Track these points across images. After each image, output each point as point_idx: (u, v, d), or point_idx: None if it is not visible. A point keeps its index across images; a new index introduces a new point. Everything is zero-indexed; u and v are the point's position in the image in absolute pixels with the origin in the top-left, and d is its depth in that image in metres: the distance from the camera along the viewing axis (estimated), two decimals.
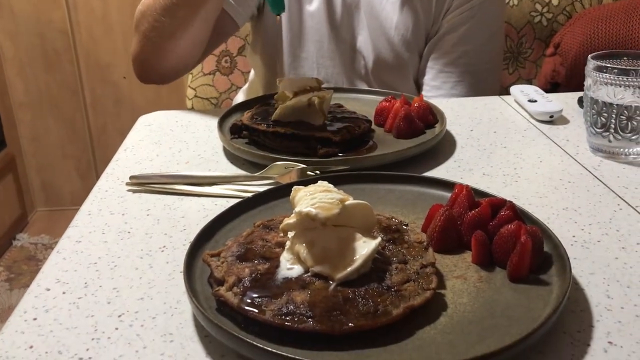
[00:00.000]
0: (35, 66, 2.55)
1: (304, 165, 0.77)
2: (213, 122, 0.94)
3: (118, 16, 2.49)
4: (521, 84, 1.30)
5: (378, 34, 1.16)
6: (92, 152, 2.69)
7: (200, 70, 1.50)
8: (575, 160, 0.83)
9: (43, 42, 2.51)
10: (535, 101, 0.99)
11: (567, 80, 1.36)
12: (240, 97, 1.39)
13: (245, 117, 0.89)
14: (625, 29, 1.27)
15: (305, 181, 0.65)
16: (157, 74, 1.10)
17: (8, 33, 2.50)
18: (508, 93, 1.07)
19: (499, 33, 1.23)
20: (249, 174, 0.80)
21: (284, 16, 1.17)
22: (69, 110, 2.62)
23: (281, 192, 0.69)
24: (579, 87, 0.86)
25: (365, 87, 1.19)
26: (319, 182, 0.57)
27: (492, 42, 1.20)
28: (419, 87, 1.22)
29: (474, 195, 0.62)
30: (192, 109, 1.55)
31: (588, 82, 0.83)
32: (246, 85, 1.40)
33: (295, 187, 0.57)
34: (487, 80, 1.21)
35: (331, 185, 0.56)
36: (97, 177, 0.87)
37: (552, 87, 1.40)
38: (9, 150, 2.57)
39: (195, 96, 1.54)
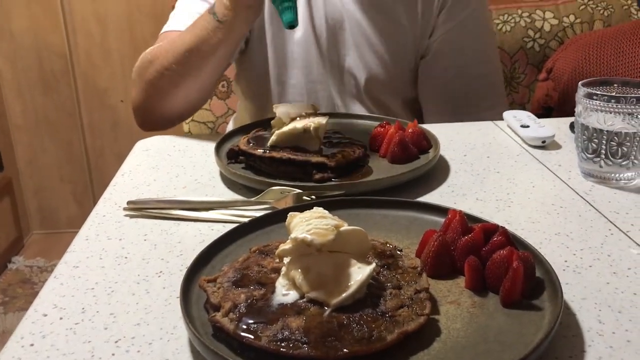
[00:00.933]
0: (33, 89, 2.56)
1: (300, 191, 0.78)
2: (210, 147, 0.95)
3: (116, 41, 2.52)
4: (515, 108, 1.32)
5: (366, 51, 1.16)
6: (89, 175, 2.69)
7: None
8: (567, 185, 0.84)
9: (41, 65, 2.53)
10: (528, 126, 1.00)
11: (560, 104, 1.38)
12: (230, 126, 1.39)
13: (242, 142, 0.91)
14: (616, 54, 1.30)
15: (301, 206, 0.65)
16: (160, 121, 1.10)
17: (6, 55, 2.52)
18: (501, 118, 1.09)
19: (491, 40, 1.24)
20: (245, 199, 0.80)
21: (269, 45, 1.17)
22: (66, 133, 2.63)
23: (277, 218, 0.69)
24: (572, 111, 0.87)
25: (358, 106, 1.19)
26: (315, 208, 0.58)
27: (488, 48, 1.21)
28: (411, 103, 1.23)
29: (467, 221, 0.63)
30: (189, 132, 1.56)
31: (579, 108, 0.84)
32: (236, 114, 1.41)
33: (291, 213, 0.58)
34: (493, 88, 1.21)
35: (326, 212, 0.57)
36: (94, 200, 0.88)
37: (545, 111, 1.42)
38: (6, 173, 2.57)
39: (192, 120, 1.55)
